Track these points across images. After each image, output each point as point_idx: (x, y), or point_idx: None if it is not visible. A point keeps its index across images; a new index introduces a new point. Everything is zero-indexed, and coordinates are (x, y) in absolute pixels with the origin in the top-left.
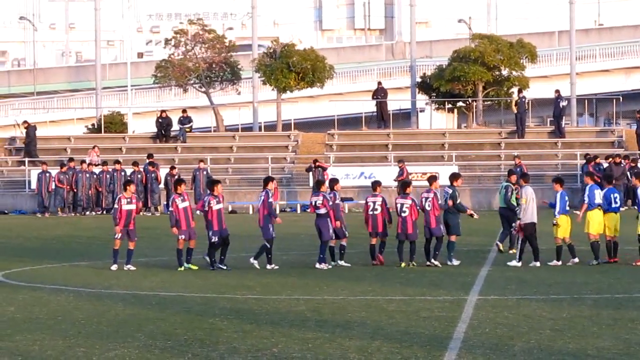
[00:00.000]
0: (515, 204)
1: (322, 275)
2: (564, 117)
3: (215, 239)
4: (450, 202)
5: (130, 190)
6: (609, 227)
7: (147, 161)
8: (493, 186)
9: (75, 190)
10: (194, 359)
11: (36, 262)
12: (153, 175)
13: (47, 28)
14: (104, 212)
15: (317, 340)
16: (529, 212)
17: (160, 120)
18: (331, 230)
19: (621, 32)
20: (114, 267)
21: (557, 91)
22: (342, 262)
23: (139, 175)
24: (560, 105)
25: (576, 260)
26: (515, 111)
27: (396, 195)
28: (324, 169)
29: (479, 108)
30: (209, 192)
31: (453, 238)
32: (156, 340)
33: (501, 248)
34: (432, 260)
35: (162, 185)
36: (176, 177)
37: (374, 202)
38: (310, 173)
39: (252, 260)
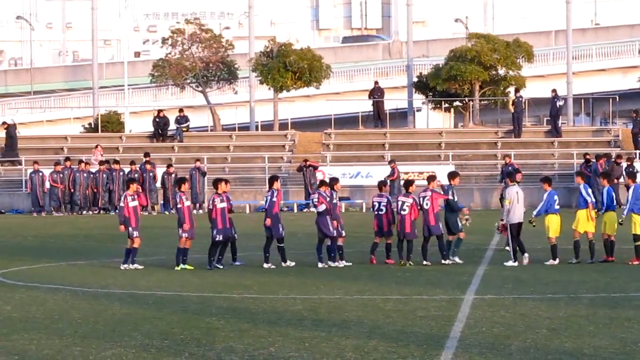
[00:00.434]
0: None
1: (319, 274)
2: (560, 117)
3: (220, 237)
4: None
5: (133, 188)
6: (609, 225)
7: (144, 160)
8: (489, 186)
9: (72, 189)
10: (190, 358)
11: (33, 261)
12: (151, 174)
13: (44, 27)
14: (101, 211)
15: (314, 340)
16: (514, 212)
17: (157, 119)
18: (332, 227)
19: (617, 32)
20: (136, 266)
21: (554, 90)
22: (334, 263)
23: (136, 175)
24: (557, 105)
25: (556, 262)
26: (512, 111)
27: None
28: (315, 168)
29: (475, 107)
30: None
31: (462, 235)
32: (153, 339)
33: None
34: (448, 259)
35: (159, 185)
36: (173, 175)
37: (379, 203)
38: (302, 173)
39: (284, 264)
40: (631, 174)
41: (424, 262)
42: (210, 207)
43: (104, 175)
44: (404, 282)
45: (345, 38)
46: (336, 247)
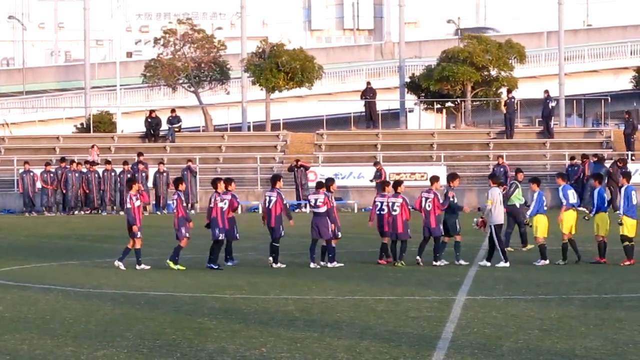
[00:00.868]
0: (517, 200)
1: (311, 275)
2: (552, 118)
3: (221, 236)
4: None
5: (135, 187)
6: (601, 227)
7: (136, 159)
8: (482, 187)
9: (64, 190)
10: (182, 358)
11: (25, 261)
12: (143, 174)
13: (36, 27)
14: (92, 211)
15: (306, 340)
16: (498, 213)
17: (149, 119)
18: (330, 230)
19: (609, 33)
20: (142, 266)
21: (547, 91)
22: (330, 264)
23: (128, 175)
24: (550, 106)
25: (547, 262)
26: (504, 111)
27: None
28: (307, 169)
29: (467, 108)
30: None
31: (458, 238)
32: (145, 339)
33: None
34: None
35: (150, 184)
36: (164, 174)
37: (382, 203)
38: (293, 173)
39: (274, 265)
40: (625, 174)
41: (417, 258)
42: (211, 205)
43: (96, 176)
44: (395, 283)
45: (461, 30)
46: (332, 248)
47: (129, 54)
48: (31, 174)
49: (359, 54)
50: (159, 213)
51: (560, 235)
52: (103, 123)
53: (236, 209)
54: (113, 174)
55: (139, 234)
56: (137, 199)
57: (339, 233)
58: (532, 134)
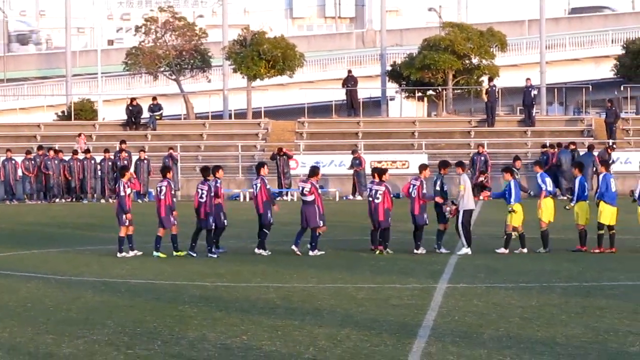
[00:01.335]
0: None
1: (292, 263)
2: (535, 106)
3: (213, 225)
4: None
5: (127, 175)
6: (580, 216)
7: (118, 148)
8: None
9: (43, 178)
10: (163, 346)
11: (6, 249)
12: (125, 162)
13: (17, 15)
14: (73, 199)
15: (287, 328)
16: (466, 199)
17: (130, 107)
18: (318, 218)
19: (591, 21)
20: (132, 253)
21: (529, 80)
22: (312, 252)
23: (109, 163)
24: (532, 95)
25: (525, 250)
26: (486, 100)
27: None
28: (289, 157)
29: (449, 96)
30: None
31: (441, 227)
32: (126, 327)
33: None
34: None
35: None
36: (145, 161)
37: (377, 191)
38: (275, 161)
39: (257, 251)
40: (604, 162)
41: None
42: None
43: (78, 164)
44: (377, 271)
45: (574, 9)
46: (317, 236)
47: (110, 42)
48: (13, 161)
49: (341, 42)
50: (139, 201)
51: (538, 223)
52: (84, 111)
53: (217, 194)
54: (93, 161)
55: (127, 222)
56: (128, 187)
57: (321, 222)
58: (513, 122)
